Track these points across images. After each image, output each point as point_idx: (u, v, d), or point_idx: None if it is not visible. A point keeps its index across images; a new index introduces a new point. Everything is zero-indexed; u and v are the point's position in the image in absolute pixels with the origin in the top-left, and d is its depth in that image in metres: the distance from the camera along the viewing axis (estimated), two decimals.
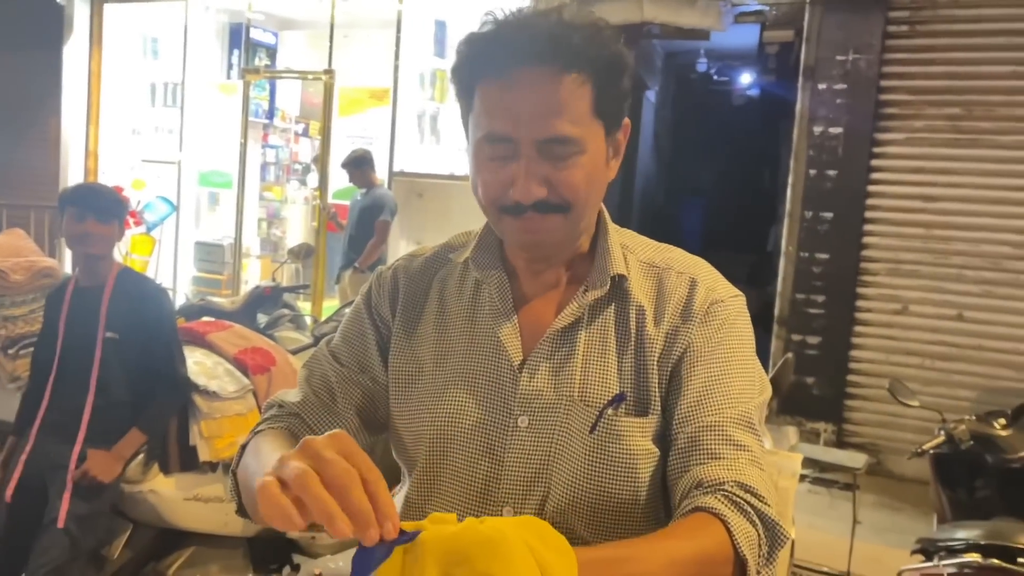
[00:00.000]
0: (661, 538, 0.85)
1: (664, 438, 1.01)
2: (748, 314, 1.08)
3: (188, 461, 2.89)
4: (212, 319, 3.61)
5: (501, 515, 1.00)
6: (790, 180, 5.46)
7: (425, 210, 6.78)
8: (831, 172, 5.31)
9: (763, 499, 0.92)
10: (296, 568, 3.45)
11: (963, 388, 5.03)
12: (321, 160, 7.04)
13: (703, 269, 1.09)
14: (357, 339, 1.13)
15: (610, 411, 1.00)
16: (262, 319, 4.38)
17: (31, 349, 3.03)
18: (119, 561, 2.86)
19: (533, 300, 1.07)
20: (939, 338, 5.13)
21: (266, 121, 8.70)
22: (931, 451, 3.19)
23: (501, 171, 0.99)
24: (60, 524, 2.60)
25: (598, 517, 0.99)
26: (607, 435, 0.99)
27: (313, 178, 8.67)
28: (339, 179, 6.90)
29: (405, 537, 0.68)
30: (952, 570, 2.34)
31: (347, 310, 1.20)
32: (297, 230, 9.01)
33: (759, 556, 0.90)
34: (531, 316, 1.06)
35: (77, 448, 2.66)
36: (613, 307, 1.05)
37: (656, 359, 1.02)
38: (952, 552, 2.44)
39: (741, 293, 1.09)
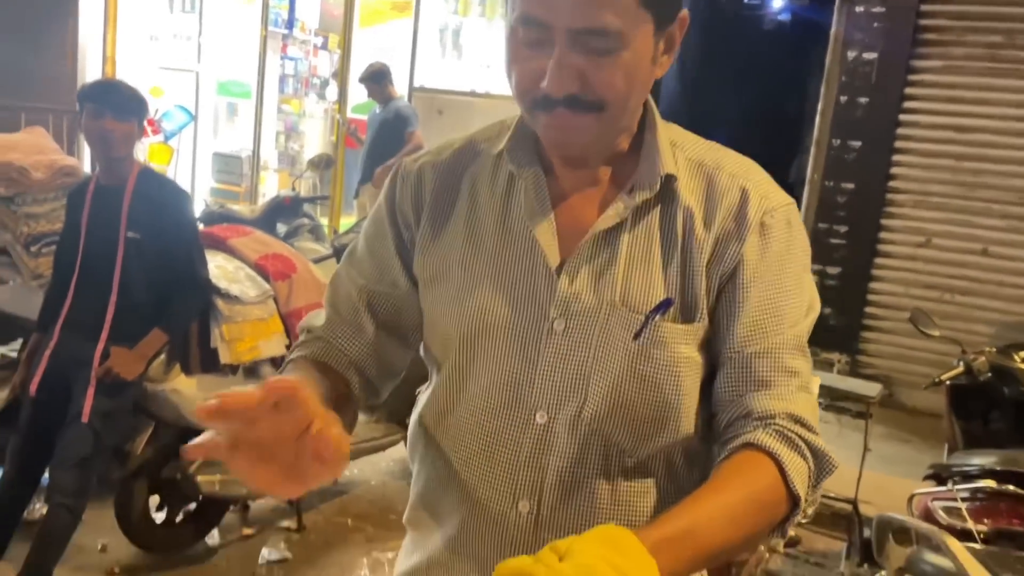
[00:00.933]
0: (717, 493, 0.85)
1: (708, 346, 0.98)
2: (801, 222, 1.04)
3: (209, 363, 2.92)
4: (233, 225, 3.60)
5: (534, 420, 0.97)
6: (819, 107, 5.34)
7: (444, 127, 6.70)
8: (862, 99, 5.19)
9: (812, 428, 0.92)
10: None
11: (982, 323, 5.01)
12: (340, 73, 6.93)
13: (755, 173, 1.03)
14: (378, 245, 1.08)
15: (656, 317, 0.96)
16: (281, 229, 4.38)
17: (53, 247, 3.03)
18: (142, 457, 2.91)
19: (571, 199, 1.01)
20: (962, 272, 5.08)
21: (285, 31, 8.54)
22: (948, 382, 3.18)
23: (533, 60, 0.91)
24: (84, 419, 2.64)
25: (637, 424, 0.97)
26: (652, 342, 0.95)
27: (332, 91, 8.55)
28: (359, 93, 6.79)
29: None
30: (965, 495, 2.35)
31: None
32: (315, 144, 8.93)
33: (808, 489, 0.90)
34: (569, 216, 1.01)
35: (100, 346, 2.68)
36: (659, 209, 0.99)
37: (704, 265, 0.97)
38: (966, 477, 2.45)
39: (793, 200, 1.04)
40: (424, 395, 1.11)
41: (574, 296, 0.97)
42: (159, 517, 3.35)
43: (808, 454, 0.91)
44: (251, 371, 3.02)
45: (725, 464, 0.91)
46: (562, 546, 0.73)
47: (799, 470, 0.90)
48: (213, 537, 3.57)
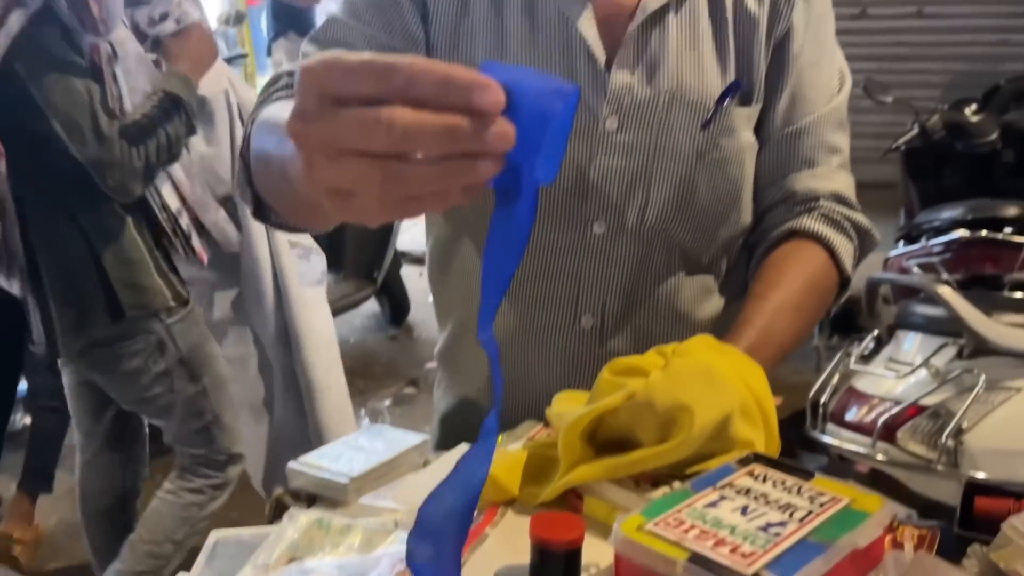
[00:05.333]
0: (778, 287, 0.86)
1: (757, 128, 0.93)
2: None
3: None
4: None
5: (591, 231, 0.90)
6: None
7: None
8: None
9: (855, 206, 0.93)
10: None
11: (925, 87, 5.03)
12: None
13: None
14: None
15: (726, 102, 0.88)
16: None
17: None
18: None
19: None
20: (899, 39, 5.05)
21: None
22: (904, 146, 3.22)
23: None
24: None
25: (701, 219, 0.91)
26: (721, 129, 0.89)
27: None
28: None
29: None
30: (940, 248, 2.42)
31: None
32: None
33: (854, 266, 0.93)
34: (603, 1, 0.89)
35: None
36: None
37: (764, 39, 0.90)
38: (938, 232, 2.51)
39: None
40: (437, 217, 1.01)
41: (626, 89, 0.88)
42: None
43: (853, 233, 0.92)
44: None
45: (777, 254, 0.91)
46: (668, 349, 0.71)
47: (847, 251, 0.91)
48: None
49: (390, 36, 0.89)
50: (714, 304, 0.98)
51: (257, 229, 2.07)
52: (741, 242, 0.98)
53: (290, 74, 0.87)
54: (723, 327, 0.86)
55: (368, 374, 3.70)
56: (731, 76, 0.90)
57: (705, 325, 0.97)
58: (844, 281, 0.93)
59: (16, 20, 1.44)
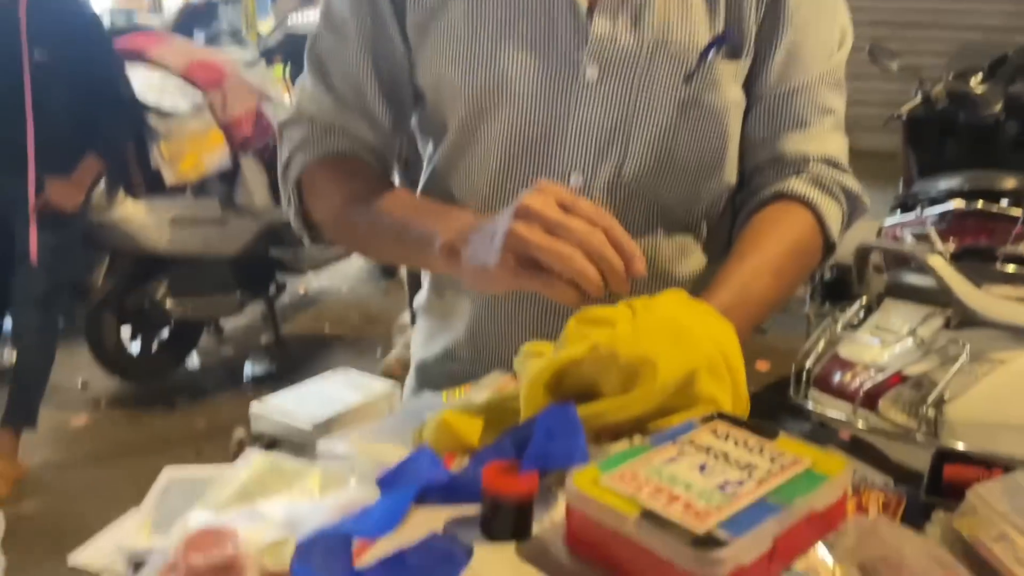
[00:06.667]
0: (759, 249, 0.84)
1: (748, 84, 0.90)
2: None
3: (154, 185, 2.78)
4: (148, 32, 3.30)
5: (568, 183, 0.88)
6: None
7: None
8: None
9: (846, 170, 0.91)
10: (282, 287, 3.48)
11: (930, 56, 4.96)
12: None
13: None
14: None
15: (710, 55, 0.85)
16: (198, 37, 4.05)
17: None
18: (103, 290, 2.83)
19: None
20: (907, 5, 4.99)
21: None
22: (905, 116, 3.17)
23: None
24: (33, 258, 2.53)
25: (682, 177, 0.89)
26: (704, 84, 0.86)
27: None
28: None
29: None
30: (935, 219, 2.39)
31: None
32: None
33: (841, 231, 0.91)
34: None
35: (31, 179, 2.51)
36: None
37: None
38: (933, 202, 2.49)
39: None
40: (424, 172, 0.99)
41: (608, 38, 0.85)
42: (134, 348, 3.32)
43: (842, 197, 0.90)
44: (200, 188, 2.88)
45: (762, 215, 0.88)
46: (637, 303, 0.69)
47: (834, 216, 0.89)
48: (193, 361, 3.58)
49: (377, 48, 0.92)
50: (694, 263, 0.96)
51: None
52: (725, 202, 0.96)
53: (311, 120, 0.94)
54: (704, 286, 0.84)
55: (357, 324, 3.72)
56: (720, 27, 0.87)
57: (685, 284, 0.95)
58: (829, 246, 0.90)
59: None
